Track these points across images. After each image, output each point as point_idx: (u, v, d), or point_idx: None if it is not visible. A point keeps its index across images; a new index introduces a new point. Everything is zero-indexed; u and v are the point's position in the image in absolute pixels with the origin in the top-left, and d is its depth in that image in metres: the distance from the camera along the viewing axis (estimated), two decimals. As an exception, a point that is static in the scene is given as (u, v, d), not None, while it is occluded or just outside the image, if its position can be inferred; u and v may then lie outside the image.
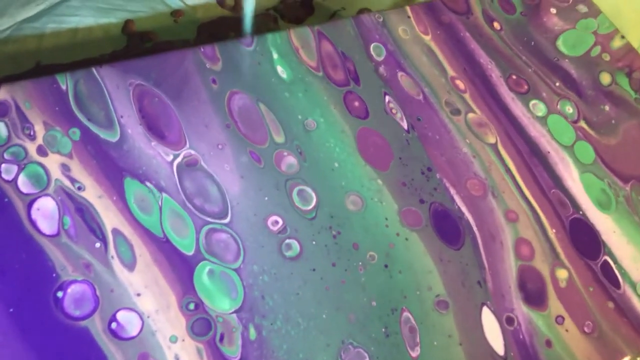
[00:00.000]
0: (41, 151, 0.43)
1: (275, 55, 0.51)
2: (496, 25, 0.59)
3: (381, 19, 0.55)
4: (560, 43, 0.60)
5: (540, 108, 0.55)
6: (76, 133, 0.44)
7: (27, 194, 0.41)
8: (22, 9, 0.53)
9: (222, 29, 0.58)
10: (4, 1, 0.51)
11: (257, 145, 0.47)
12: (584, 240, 0.49)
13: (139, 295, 0.40)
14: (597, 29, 0.62)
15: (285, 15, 0.61)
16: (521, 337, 0.45)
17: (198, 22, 0.57)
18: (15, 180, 0.41)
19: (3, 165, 0.42)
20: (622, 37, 0.62)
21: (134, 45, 0.56)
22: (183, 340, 0.40)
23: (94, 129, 0.44)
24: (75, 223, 0.41)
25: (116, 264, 0.41)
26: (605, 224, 0.51)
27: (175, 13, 0.57)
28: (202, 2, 0.57)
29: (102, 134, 0.44)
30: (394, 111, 0.51)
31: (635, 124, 0.57)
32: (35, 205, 0.41)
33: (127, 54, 0.55)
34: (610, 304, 0.47)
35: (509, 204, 0.49)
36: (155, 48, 0.56)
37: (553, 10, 0.62)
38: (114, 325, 0.39)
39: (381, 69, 0.53)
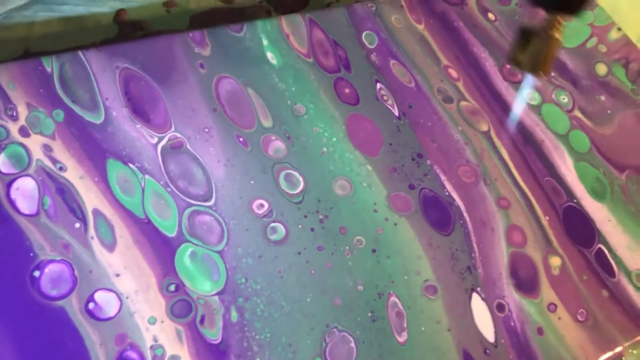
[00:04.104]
0: (23, 132, 0.42)
1: (265, 42, 0.51)
2: (490, 15, 0.58)
3: (374, 8, 0.55)
4: (555, 34, 0.59)
5: (534, 97, 0.54)
6: (60, 114, 0.43)
7: (6, 174, 0.40)
8: (13, -4, 0.52)
9: (214, 19, 0.58)
10: (-8, -13, 0.51)
11: (244, 130, 0.46)
12: (578, 228, 0.48)
13: (118, 275, 0.39)
14: (594, 21, 0.61)
15: (279, 7, 0.60)
16: (512, 324, 0.43)
17: (190, 13, 0.57)
18: (-5, 160, 0.41)
19: (-17, 146, 0.41)
20: (619, 29, 0.61)
21: (125, 34, 0.55)
22: (162, 321, 0.38)
23: (78, 110, 0.44)
24: (55, 203, 0.40)
25: (96, 244, 0.40)
26: (600, 213, 0.49)
27: (168, 3, 0.56)
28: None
29: (87, 116, 0.44)
30: (385, 98, 0.51)
31: (631, 114, 0.56)
32: (15, 185, 0.40)
33: (118, 42, 0.54)
34: (605, 293, 0.46)
35: (501, 191, 0.48)
36: (146, 37, 0.55)
37: (549, 2, 0.61)
38: (91, 305, 0.38)
39: (373, 57, 0.52)
